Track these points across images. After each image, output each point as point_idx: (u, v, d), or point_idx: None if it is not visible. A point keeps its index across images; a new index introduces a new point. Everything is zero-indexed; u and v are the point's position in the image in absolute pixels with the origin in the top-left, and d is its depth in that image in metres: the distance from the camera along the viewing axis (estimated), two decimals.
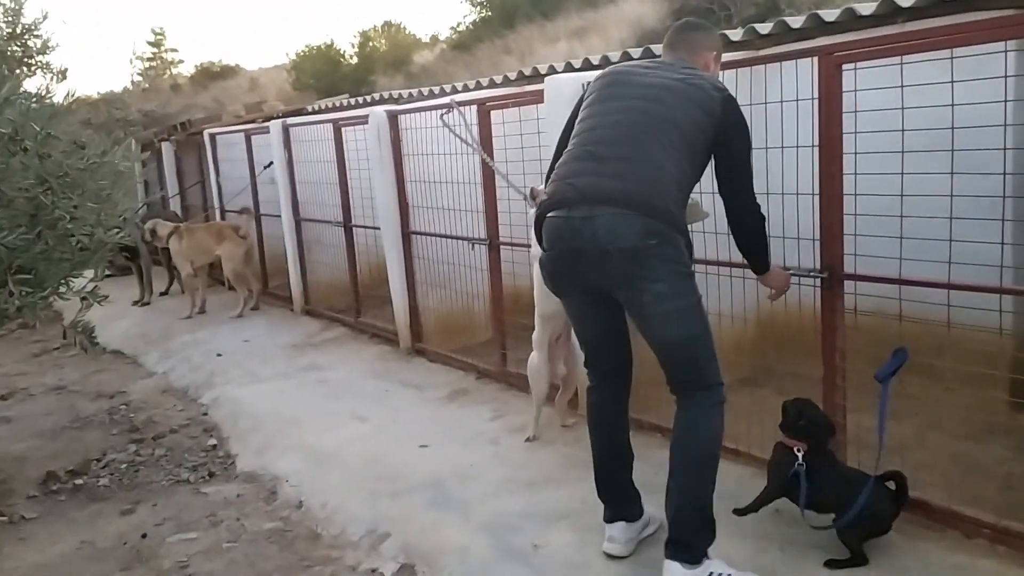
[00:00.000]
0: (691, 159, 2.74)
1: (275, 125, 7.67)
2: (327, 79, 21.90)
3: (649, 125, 2.75)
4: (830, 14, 4.23)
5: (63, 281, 3.59)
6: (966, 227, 2.82)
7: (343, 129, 6.64)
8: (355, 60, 24.19)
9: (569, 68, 5.74)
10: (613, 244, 2.64)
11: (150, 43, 34.78)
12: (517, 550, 3.21)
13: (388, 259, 6.17)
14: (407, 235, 6.05)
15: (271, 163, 7.75)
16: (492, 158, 4.82)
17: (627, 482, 3.11)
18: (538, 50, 13.45)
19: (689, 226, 2.87)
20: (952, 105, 2.75)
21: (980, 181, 2.92)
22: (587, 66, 5.55)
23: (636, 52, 5.39)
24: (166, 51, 35.27)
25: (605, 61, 5.46)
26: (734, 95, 2.85)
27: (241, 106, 11.37)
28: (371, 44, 25.36)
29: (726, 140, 2.75)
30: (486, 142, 4.95)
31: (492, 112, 4.93)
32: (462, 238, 5.33)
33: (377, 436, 4.58)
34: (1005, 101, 2.71)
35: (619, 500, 3.09)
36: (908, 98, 2.91)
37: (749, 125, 2.83)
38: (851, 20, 4.13)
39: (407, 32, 28.11)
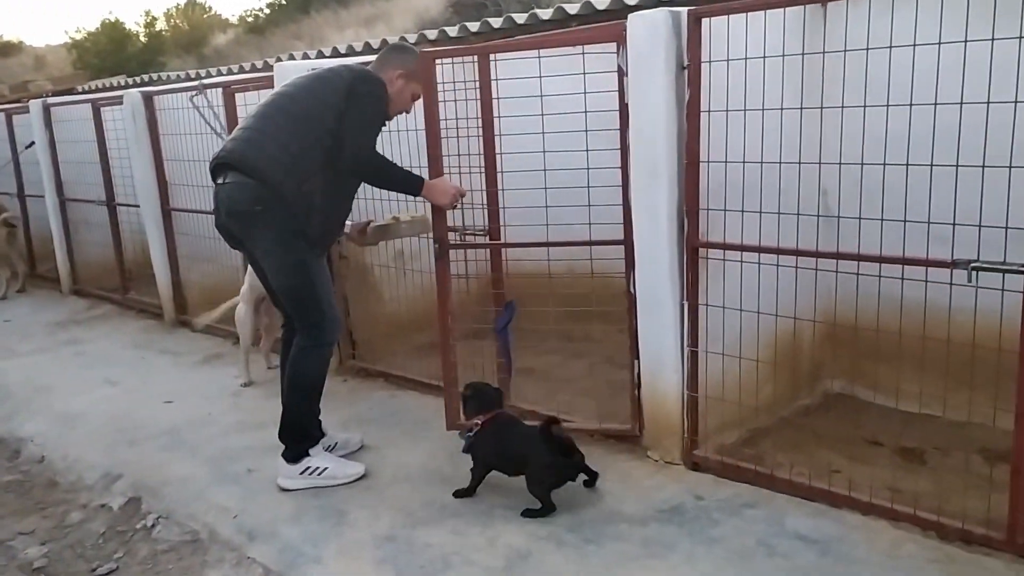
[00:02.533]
0: (314, 132, 3.34)
1: (35, 105, 7.63)
2: (112, 59, 20.97)
3: (269, 111, 3.43)
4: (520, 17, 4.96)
5: None
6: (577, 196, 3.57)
7: (102, 109, 6.77)
8: (144, 40, 23.25)
9: (336, 54, 6.22)
10: (232, 209, 3.36)
11: None
12: (233, 475, 3.71)
13: (149, 236, 6.42)
14: (167, 212, 6.32)
15: (32, 143, 7.70)
16: None
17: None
18: (329, 36, 13.75)
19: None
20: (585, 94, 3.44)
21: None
22: (350, 52, 6.05)
23: (412, 37, 5.92)
24: None
25: (335, 53, 5.99)
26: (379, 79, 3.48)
27: (5, 85, 10.94)
28: (162, 23, 24.45)
29: (346, 108, 3.36)
30: (233, 122, 5.33)
31: (236, 95, 5.31)
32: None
33: (125, 397, 4.91)
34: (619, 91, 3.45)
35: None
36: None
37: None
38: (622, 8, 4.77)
39: (211, 12, 27.32)
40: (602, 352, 4.75)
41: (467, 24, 5.47)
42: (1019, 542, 2.60)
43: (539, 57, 3.54)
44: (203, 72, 9.55)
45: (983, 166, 2.60)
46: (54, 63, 26.64)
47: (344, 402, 4.42)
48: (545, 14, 4.95)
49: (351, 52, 6.21)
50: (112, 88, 9.76)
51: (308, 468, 3.52)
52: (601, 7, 4.69)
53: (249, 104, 5.23)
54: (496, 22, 5.21)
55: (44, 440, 4.43)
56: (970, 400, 3.26)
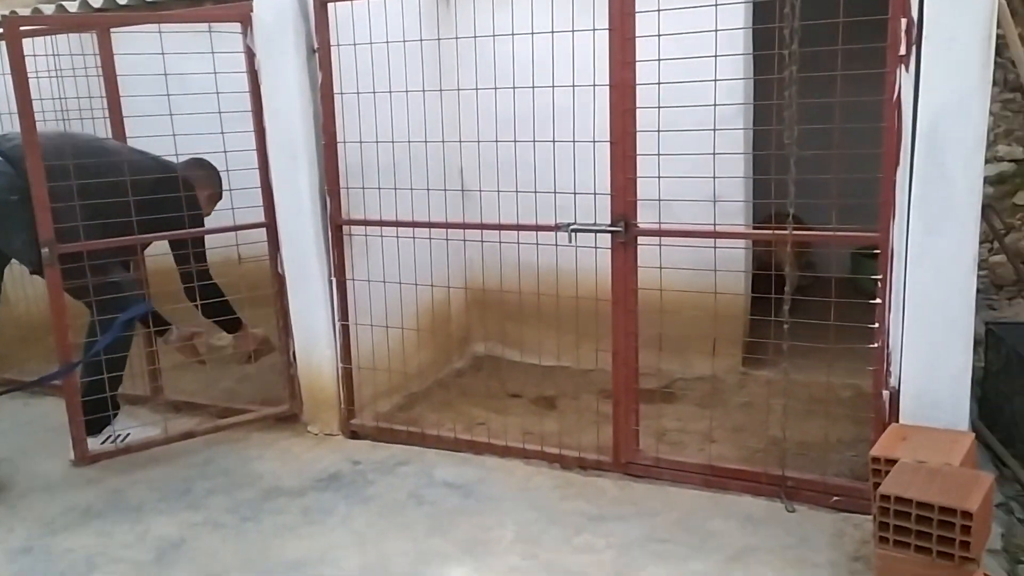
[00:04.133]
0: None
1: None
2: None
3: None
4: None
5: None
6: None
7: None
8: None
9: None
10: None
11: None
12: None
13: None
14: None
15: None
16: None
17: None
18: None
19: None
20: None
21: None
22: None
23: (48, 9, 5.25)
24: None
25: None
26: None
27: None
28: None
29: None
30: None
31: None
32: None
33: None
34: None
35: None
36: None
37: None
38: None
39: None
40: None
41: (63, 3, 5.03)
42: (622, 461, 3.06)
43: (159, 32, 3.41)
44: None
45: (573, 141, 2.99)
46: None
47: None
48: None
49: None
50: None
51: (109, 437, 3.46)
52: None
53: None
54: (96, 1, 4.85)
55: None
56: (581, 350, 3.73)
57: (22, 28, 3.09)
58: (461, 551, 2.66)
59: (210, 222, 3.64)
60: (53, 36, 3.86)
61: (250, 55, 3.41)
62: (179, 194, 3.40)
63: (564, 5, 2.99)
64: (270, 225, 3.57)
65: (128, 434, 3.53)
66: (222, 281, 3.87)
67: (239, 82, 3.43)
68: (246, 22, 3.36)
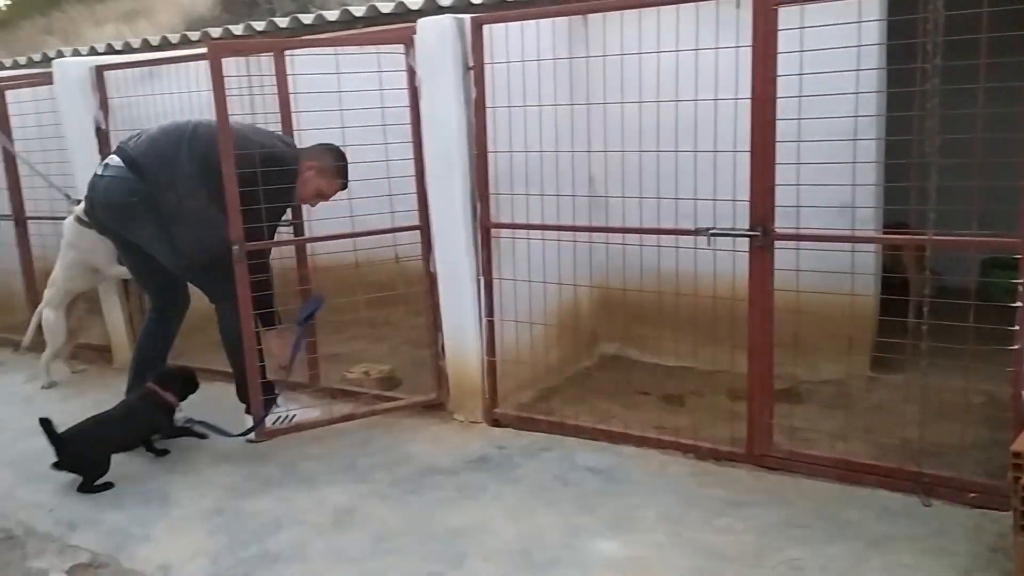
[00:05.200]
0: None
1: None
2: None
3: None
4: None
5: None
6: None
7: None
8: None
9: (93, 52, 6.04)
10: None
11: None
12: (40, 474, 3.63)
13: None
14: None
15: None
16: (11, 137, 5.04)
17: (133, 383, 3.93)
18: (85, 32, 12.94)
19: None
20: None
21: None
22: (109, 51, 5.91)
23: (175, 38, 5.87)
24: None
25: (128, 47, 5.88)
26: None
27: None
28: None
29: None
30: (4, 120, 5.12)
31: (7, 92, 5.10)
32: None
33: None
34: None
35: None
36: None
37: None
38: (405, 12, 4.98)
39: None
40: (401, 335, 5.08)
41: (252, 23, 5.57)
42: (756, 453, 3.23)
43: (336, 55, 3.80)
44: None
45: (714, 151, 3.20)
46: None
47: None
48: (332, 15, 5.18)
49: (110, 50, 6.06)
50: None
51: (279, 417, 3.83)
52: (385, 11, 5.00)
53: (23, 101, 5.09)
54: (283, 22, 5.37)
55: None
56: (716, 352, 3.89)
57: (223, 51, 3.52)
58: (608, 527, 2.89)
59: (369, 225, 3.96)
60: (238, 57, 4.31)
61: (411, 73, 3.74)
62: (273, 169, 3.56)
63: (689, 23, 3.21)
64: (424, 228, 3.90)
65: (294, 415, 3.92)
66: (377, 279, 4.24)
67: (399, 97, 3.79)
68: (409, 43, 3.70)
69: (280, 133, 4.00)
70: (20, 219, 5.26)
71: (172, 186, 3.60)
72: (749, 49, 2.95)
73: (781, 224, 3.06)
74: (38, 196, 5.18)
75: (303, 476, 3.47)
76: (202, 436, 3.74)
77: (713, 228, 3.15)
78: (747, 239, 3.08)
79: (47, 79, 4.83)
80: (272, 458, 3.64)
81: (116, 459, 3.57)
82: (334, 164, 3.79)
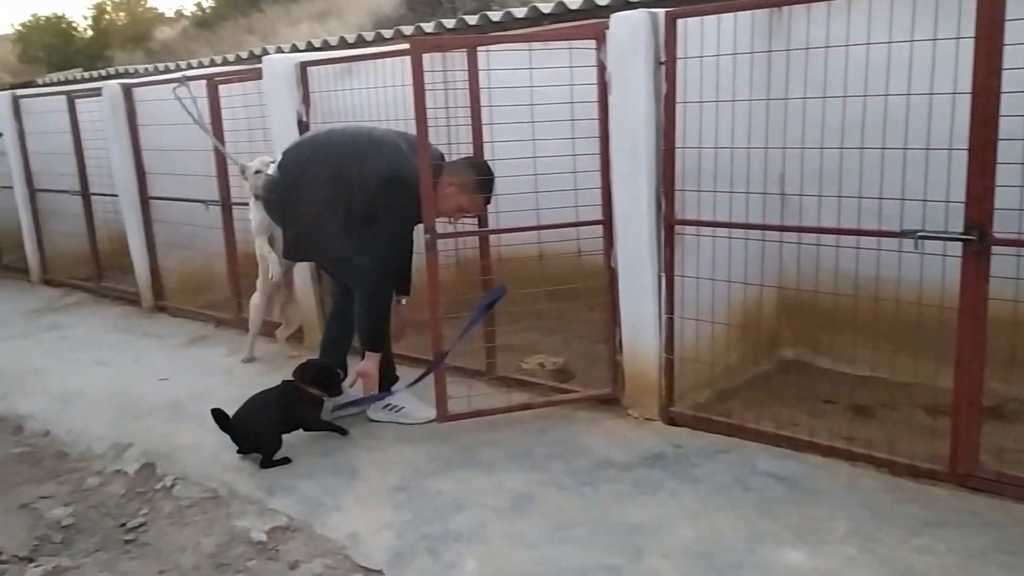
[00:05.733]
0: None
1: (3, 97, 7.67)
2: (58, 52, 20.64)
3: None
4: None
5: None
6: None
7: (77, 101, 6.88)
8: (89, 34, 22.90)
9: (294, 50, 6.44)
10: None
11: None
12: None
13: (127, 224, 6.55)
14: (145, 200, 6.47)
15: (0, 134, 7.73)
16: (222, 129, 5.45)
17: None
18: (281, 31, 13.86)
19: None
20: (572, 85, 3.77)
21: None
22: (309, 48, 6.29)
23: (369, 36, 6.19)
24: None
25: (326, 45, 6.23)
26: None
27: None
28: (107, 18, 24.07)
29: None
30: (216, 114, 5.54)
31: (220, 87, 5.52)
32: (197, 201, 5.88)
33: (119, 376, 5.09)
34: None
35: None
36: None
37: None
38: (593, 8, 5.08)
39: (147, 6, 26.93)
40: (574, 329, 5.11)
41: (443, 21, 5.77)
42: (959, 472, 3.02)
43: (530, 51, 3.87)
44: (151, 67, 9.62)
45: (927, 149, 3.02)
46: None
47: None
48: (519, 12, 5.28)
49: (310, 48, 6.44)
50: (70, 82, 9.78)
51: (389, 405, 4.03)
52: (574, 6, 5.04)
53: (234, 96, 5.49)
54: (472, 19, 5.53)
55: (45, 416, 4.59)
56: (915, 363, 3.69)
57: (423, 47, 3.66)
58: (793, 536, 2.79)
59: (552, 218, 4.00)
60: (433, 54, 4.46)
61: (601, 68, 3.75)
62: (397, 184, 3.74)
63: (904, 13, 3.02)
64: (607, 223, 3.91)
65: (403, 408, 4.03)
66: (556, 272, 4.29)
67: (587, 92, 3.81)
68: (601, 39, 3.71)
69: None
70: (227, 204, 5.68)
71: (298, 188, 3.90)
72: (970, 41, 2.76)
73: (1000, 228, 2.84)
74: (243, 183, 5.57)
75: (481, 460, 3.56)
76: (343, 432, 3.88)
77: (921, 230, 2.97)
78: (960, 243, 2.88)
79: (256, 74, 5.19)
80: (451, 441, 3.76)
81: (315, 434, 3.82)
82: (476, 181, 3.81)
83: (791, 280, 4.04)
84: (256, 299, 5.07)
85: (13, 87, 9.42)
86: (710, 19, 3.52)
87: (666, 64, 3.57)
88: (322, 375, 3.85)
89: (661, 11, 3.56)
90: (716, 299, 3.73)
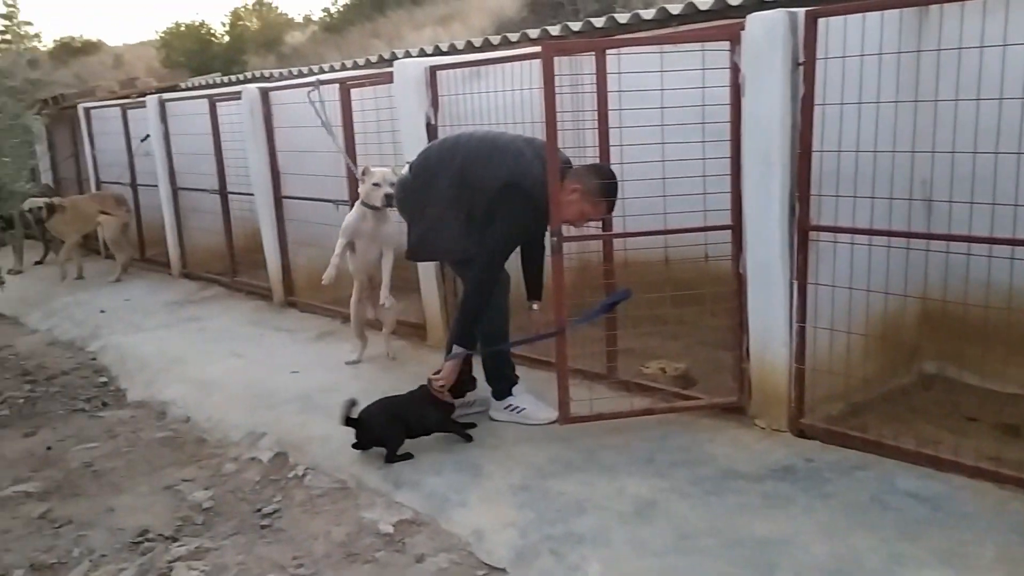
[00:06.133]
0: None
1: (151, 100, 8.16)
2: (198, 57, 21.83)
3: None
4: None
5: None
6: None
7: (218, 104, 7.25)
8: (226, 39, 24.11)
9: (422, 54, 6.59)
10: None
11: (1, 15, 33.30)
12: None
13: (262, 222, 6.86)
14: (279, 199, 6.75)
15: (147, 136, 8.23)
16: (353, 132, 5.64)
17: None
18: (406, 35, 14.22)
19: None
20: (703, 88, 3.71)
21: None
22: (436, 52, 6.41)
23: (496, 39, 6.26)
24: (19, 24, 33.86)
25: (452, 49, 6.34)
26: None
27: (116, 82, 11.61)
28: (242, 23, 25.28)
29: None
30: (348, 117, 5.73)
31: (352, 90, 5.70)
32: (327, 200, 6.09)
33: (253, 367, 5.33)
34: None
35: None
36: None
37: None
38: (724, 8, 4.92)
39: (279, 12, 28.10)
40: (696, 334, 5.01)
41: (569, 24, 5.77)
42: None
43: (661, 53, 3.82)
44: (283, 71, 10.00)
45: None
46: (131, 61, 27.71)
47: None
48: (647, 14, 5.22)
49: (437, 52, 6.55)
50: (209, 86, 10.30)
51: (510, 405, 4.09)
52: (704, 7, 4.94)
53: (365, 99, 5.66)
54: (598, 22, 5.51)
55: (186, 403, 4.86)
56: None
57: (554, 50, 3.68)
58: (937, 560, 2.66)
59: (681, 222, 3.94)
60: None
61: (734, 70, 3.67)
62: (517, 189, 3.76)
63: None
64: (736, 227, 3.82)
65: (524, 408, 4.06)
66: (681, 277, 4.22)
67: (716, 95, 3.73)
68: (735, 39, 3.63)
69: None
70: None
71: (426, 189, 3.98)
72: None
73: None
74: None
75: (603, 464, 3.54)
76: (468, 439, 3.90)
77: None
78: None
79: (387, 78, 5.33)
80: (572, 443, 3.76)
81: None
82: (599, 187, 3.77)
83: (936, 290, 3.83)
84: (352, 301, 5.25)
85: (159, 91, 9.98)
86: (854, 18, 3.39)
87: (805, 65, 3.46)
88: (456, 381, 3.88)
89: (801, 10, 3.46)
90: (853, 308, 3.58)
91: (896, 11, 3.53)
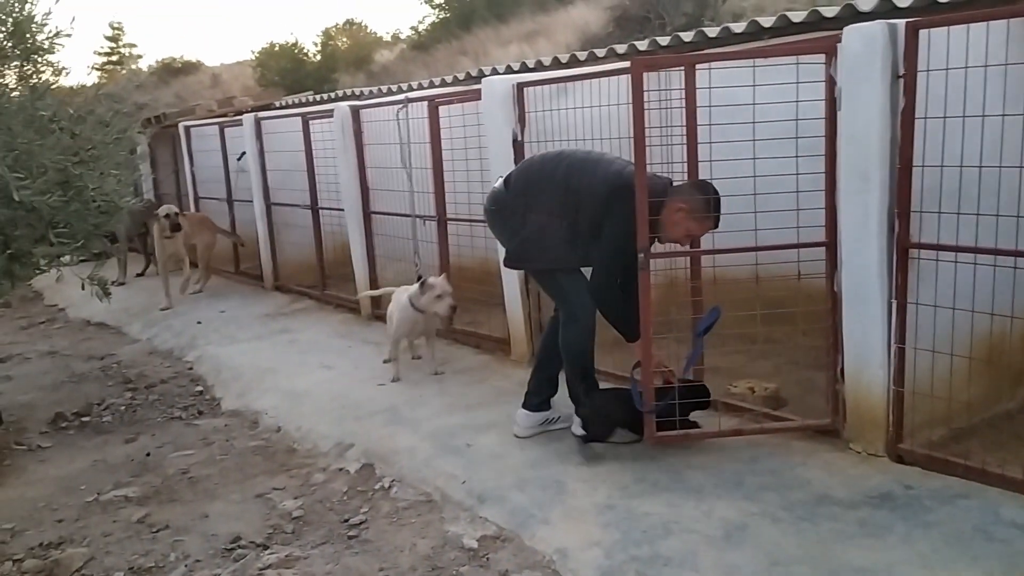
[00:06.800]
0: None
1: (248, 118, 8.46)
2: (292, 76, 22.57)
3: None
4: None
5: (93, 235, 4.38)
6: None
7: (310, 122, 7.46)
8: (318, 58, 24.85)
9: (509, 71, 6.65)
10: None
11: (108, 38, 35.27)
12: (454, 448, 4.10)
13: (351, 236, 7.01)
14: (368, 215, 6.90)
15: (243, 153, 8.52)
16: (441, 148, 5.73)
17: (537, 380, 4.18)
18: (492, 51, 14.37)
19: None
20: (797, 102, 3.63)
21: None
22: (523, 68, 6.47)
23: (582, 55, 6.29)
24: (124, 46, 35.80)
25: (539, 65, 6.38)
26: None
27: (214, 101, 12.10)
28: (333, 43, 26.03)
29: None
30: (436, 133, 5.82)
31: (440, 108, 5.79)
32: (416, 216, 6.19)
33: (342, 379, 5.44)
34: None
35: (529, 390, 4.19)
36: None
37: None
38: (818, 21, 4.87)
39: (368, 31, 28.82)
40: (785, 354, 4.89)
41: (657, 39, 5.74)
42: None
43: (753, 67, 3.74)
44: (374, 88, 10.21)
45: None
46: (228, 81, 28.84)
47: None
48: (738, 27, 5.15)
49: (524, 68, 6.61)
50: (302, 104, 10.61)
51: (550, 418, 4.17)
52: (797, 20, 4.85)
53: (453, 116, 5.74)
54: (687, 36, 5.46)
55: (277, 413, 4.99)
56: None
57: (643, 66, 3.66)
58: None
59: (773, 239, 3.84)
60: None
61: (830, 83, 3.58)
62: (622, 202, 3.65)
63: None
64: (830, 245, 3.71)
65: (559, 417, 4.15)
66: (772, 295, 4.12)
67: (809, 109, 3.64)
68: (831, 52, 3.54)
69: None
70: (442, 220, 5.94)
71: (527, 197, 3.97)
72: None
73: None
74: (457, 200, 5.82)
75: (690, 485, 3.48)
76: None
77: None
78: None
79: (475, 95, 5.39)
80: (659, 462, 3.71)
81: (522, 445, 3.90)
82: (704, 204, 3.69)
83: None
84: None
85: (254, 109, 10.35)
86: (957, 29, 3.27)
87: (905, 77, 3.35)
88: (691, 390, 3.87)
89: (901, 22, 3.35)
90: (957, 330, 3.43)
91: (1003, 21, 3.37)
